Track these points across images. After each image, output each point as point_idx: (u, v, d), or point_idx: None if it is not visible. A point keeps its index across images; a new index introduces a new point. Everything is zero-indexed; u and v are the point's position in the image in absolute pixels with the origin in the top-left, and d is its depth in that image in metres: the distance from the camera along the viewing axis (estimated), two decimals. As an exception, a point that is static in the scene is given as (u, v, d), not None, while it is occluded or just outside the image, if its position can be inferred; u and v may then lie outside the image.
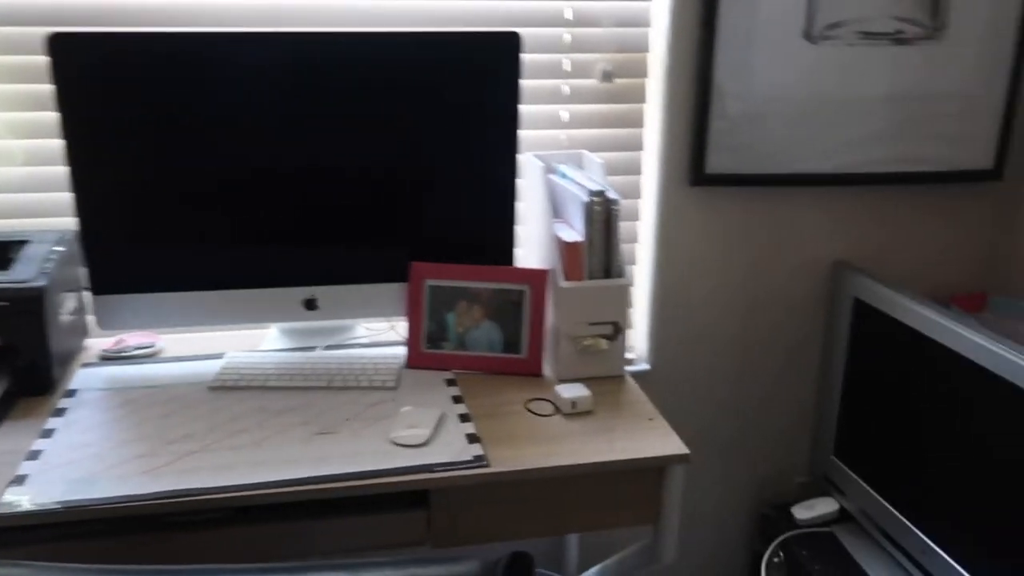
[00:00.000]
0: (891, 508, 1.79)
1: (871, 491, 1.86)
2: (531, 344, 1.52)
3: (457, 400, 1.43)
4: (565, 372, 1.50)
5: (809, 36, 1.75)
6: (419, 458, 1.26)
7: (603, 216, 1.44)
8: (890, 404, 1.80)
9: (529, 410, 1.40)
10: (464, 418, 1.37)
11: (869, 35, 1.77)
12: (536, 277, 1.51)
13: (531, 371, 1.53)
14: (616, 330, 1.49)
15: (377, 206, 1.52)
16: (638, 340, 1.99)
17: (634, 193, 1.87)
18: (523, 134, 1.75)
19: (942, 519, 1.66)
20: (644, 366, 1.97)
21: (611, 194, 1.45)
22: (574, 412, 1.39)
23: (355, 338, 1.67)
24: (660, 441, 1.32)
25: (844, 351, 1.93)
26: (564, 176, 1.57)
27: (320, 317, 1.58)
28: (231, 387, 1.45)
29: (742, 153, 1.79)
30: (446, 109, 1.49)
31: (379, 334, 1.69)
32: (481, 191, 1.53)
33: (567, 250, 1.45)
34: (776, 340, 2.00)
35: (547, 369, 1.54)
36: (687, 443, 2.13)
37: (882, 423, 1.83)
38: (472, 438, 1.31)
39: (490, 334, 1.53)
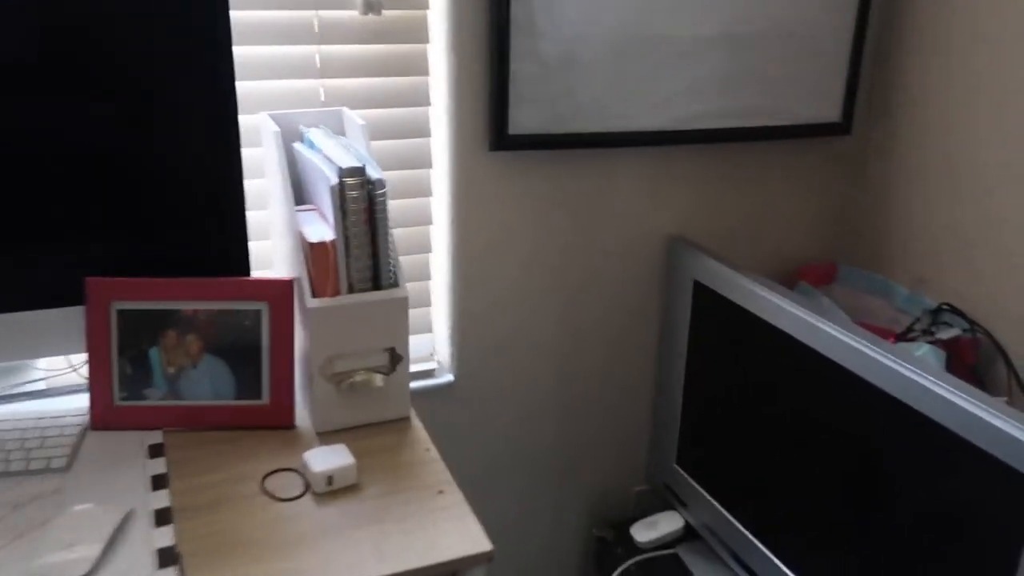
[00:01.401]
0: (737, 523, 1.50)
1: (716, 504, 1.57)
2: (274, 385, 1.08)
3: (159, 483, 0.97)
4: (325, 422, 1.08)
5: (630, -45, 1.37)
6: (76, 602, 0.80)
7: (362, 204, 1.01)
8: (734, 403, 1.50)
9: (266, 491, 0.97)
10: (161, 518, 0.91)
11: (702, -44, 1.43)
12: (275, 290, 1.06)
13: (278, 423, 1.09)
14: (394, 359, 1.08)
15: (39, 198, 1.02)
16: (439, 346, 1.58)
17: (423, 162, 1.45)
18: (259, 87, 1.28)
19: (790, 534, 1.38)
20: (447, 377, 1.57)
21: (373, 171, 1.02)
22: (331, 490, 0.97)
23: (22, 384, 1.17)
24: (454, 530, 0.92)
25: (684, 342, 1.61)
26: (312, 146, 1.12)
27: (-47, 365, 1.07)
28: None
29: (552, 108, 1.40)
30: (126, 56, 1.00)
31: (60, 375, 1.19)
32: (190, 171, 1.06)
33: (312, 253, 1.02)
34: (603, 332, 1.66)
35: (305, 418, 1.11)
36: (504, 462, 1.78)
37: (726, 425, 1.53)
38: (166, 557, 0.86)
39: (214, 374, 1.07)
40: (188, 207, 1.07)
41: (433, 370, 1.58)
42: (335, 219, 1.00)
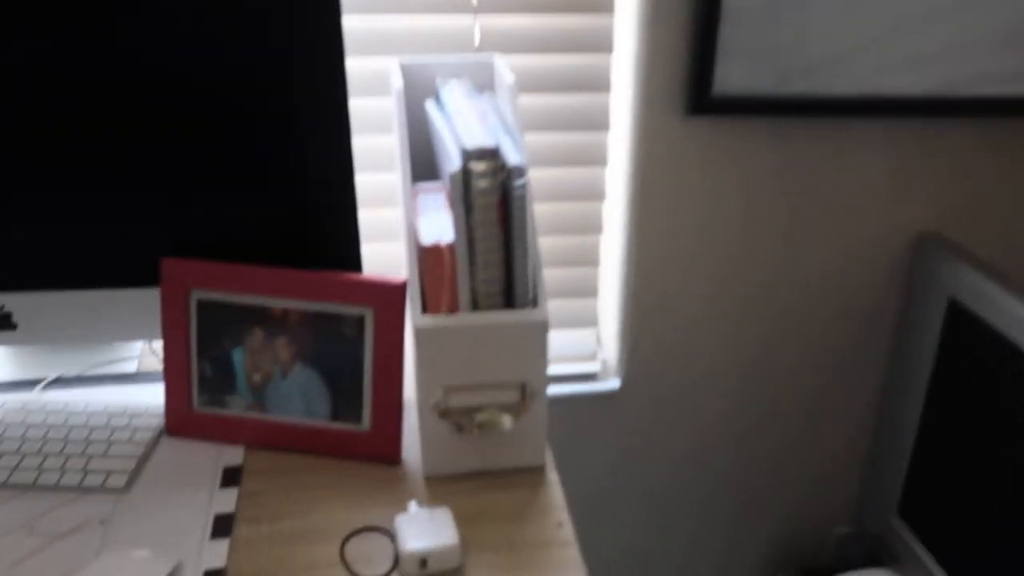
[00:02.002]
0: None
1: (942, 571, 1.22)
2: (378, 409, 0.85)
3: (221, 528, 0.78)
4: (435, 465, 0.84)
5: None
6: None
7: (493, 197, 0.74)
8: (984, 454, 1.13)
9: (345, 561, 0.75)
10: (210, 584, 0.72)
11: None
12: (382, 293, 0.82)
13: (380, 455, 0.87)
14: (527, 395, 0.82)
15: (129, 161, 0.83)
16: (606, 345, 1.31)
17: (599, 122, 1.15)
18: (396, 23, 1.03)
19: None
20: (612, 384, 1.30)
21: (512, 154, 0.74)
22: (425, 574, 0.73)
23: (111, 363, 1.01)
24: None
25: (926, 372, 1.24)
26: (444, 109, 0.86)
27: (21, 340, 0.92)
28: None
29: (774, 61, 1.06)
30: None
31: (149, 357, 1.03)
32: (289, 135, 0.83)
33: (425, 259, 0.76)
34: (816, 348, 1.32)
35: (413, 451, 0.88)
36: (674, 492, 1.41)
37: (970, 479, 1.16)
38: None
39: (307, 388, 0.86)
40: (290, 185, 0.85)
41: (595, 374, 1.31)
42: (456, 215, 0.74)
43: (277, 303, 0.85)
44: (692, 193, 1.18)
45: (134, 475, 0.84)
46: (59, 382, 0.98)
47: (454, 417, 0.82)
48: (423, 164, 0.95)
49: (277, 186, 0.85)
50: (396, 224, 1.17)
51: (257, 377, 0.87)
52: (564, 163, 1.16)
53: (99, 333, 0.92)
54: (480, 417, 0.81)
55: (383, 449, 0.86)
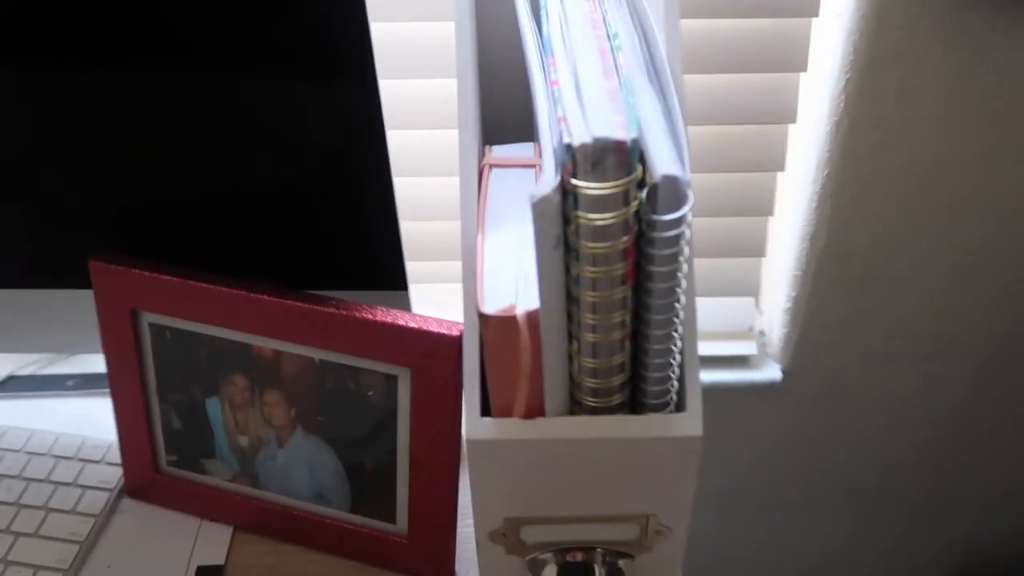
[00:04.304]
0: None
1: None
2: (417, 509, 0.55)
3: None
4: (502, 608, 0.54)
5: None
6: None
7: (619, 240, 0.37)
8: None
9: None
10: None
11: None
12: (428, 347, 0.49)
13: (422, 573, 0.57)
14: (648, 531, 0.49)
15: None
16: (770, 321, 0.95)
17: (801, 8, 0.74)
18: None
19: None
20: (772, 372, 0.95)
21: (664, 160, 0.36)
22: None
23: (81, 353, 0.74)
24: None
25: None
26: (543, 19, 0.48)
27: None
28: None
29: None
30: None
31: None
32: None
33: (491, 331, 0.42)
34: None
35: (469, 562, 0.58)
36: (845, 502, 1.04)
37: None
38: None
39: (315, 464, 0.56)
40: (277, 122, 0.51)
41: (750, 357, 0.95)
42: (545, 263, 0.38)
43: (265, 342, 0.53)
44: (936, 111, 0.76)
45: (79, 556, 0.58)
46: (11, 383, 0.72)
47: (528, 552, 0.50)
48: (503, 108, 0.58)
49: (266, 138, 0.51)
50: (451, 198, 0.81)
51: (244, 441, 0.57)
52: (739, 68, 0.76)
53: (31, 342, 0.64)
54: (571, 559, 0.50)
55: (426, 565, 0.56)
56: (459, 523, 0.57)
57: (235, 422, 0.57)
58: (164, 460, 0.60)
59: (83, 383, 0.71)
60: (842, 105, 0.77)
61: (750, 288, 0.91)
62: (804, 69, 0.77)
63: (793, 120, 0.80)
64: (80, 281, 0.57)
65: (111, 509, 0.61)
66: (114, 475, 0.62)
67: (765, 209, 0.85)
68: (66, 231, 0.56)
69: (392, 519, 0.56)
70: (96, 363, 0.73)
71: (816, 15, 0.74)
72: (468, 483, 0.47)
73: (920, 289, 0.89)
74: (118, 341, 0.56)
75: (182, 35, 0.48)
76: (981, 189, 0.82)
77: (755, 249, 0.88)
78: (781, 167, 0.83)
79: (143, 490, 0.61)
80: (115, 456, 0.63)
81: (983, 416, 1.00)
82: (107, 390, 0.59)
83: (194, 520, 0.61)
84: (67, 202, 0.55)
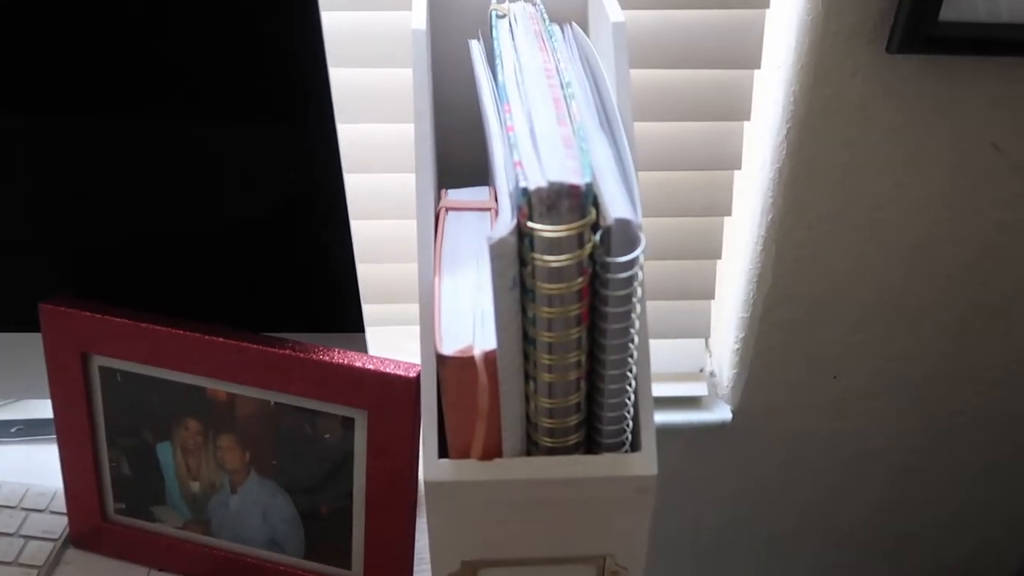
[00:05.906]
0: None
1: None
2: (373, 555, 0.54)
3: None
4: (458, 650, 0.53)
5: None
6: None
7: (573, 282, 0.38)
8: None
9: None
10: None
11: None
12: (383, 390, 0.50)
13: (377, 616, 0.56)
14: (605, 572, 0.49)
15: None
16: (719, 361, 0.97)
17: (745, 56, 0.76)
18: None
19: None
20: (722, 413, 0.96)
21: (617, 203, 0.38)
22: None
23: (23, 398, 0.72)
24: None
25: None
26: (496, 59, 0.49)
27: None
28: None
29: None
30: None
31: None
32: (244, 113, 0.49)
33: (449, 372, 0.42)
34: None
35: (425, 605, 0.58)
36: (806, 544, 1.09)
37: None
38: None
39: (269, 510, 0.56)
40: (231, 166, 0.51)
41: (701, 398, 0.97)
42: (501, 304, 0.39)
43: (219, 385, 0.53)
44: (882, 158, 0.80)
45: (15, 623, 0.56)
46: (-48, 429, 0.70)
47: (489, 597, 0.50)
48: (458, 153, 0.59)
49: (222, 181, 0.51)
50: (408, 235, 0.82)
51: (196, 487, 0.56)
52: (688, 116, 0.79)
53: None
54: (532, 600, 0.50)
55: (383, 610, 0.56)
56: (415, 568, 0.56)
57: (187, 467, 0.56)
58: (112, 508, 0.59)
59: (27, 429, 0.69)
60: (784, 153, 0.80)
61: (700, 330, 0.93)
62: (748, 118, 0.80)
63: (738, 167, 0.82)
64: (27, 324, 0.56)
65: (55, 560, 0.59)
66: (59, 524, 0.61)
67: (713, 252, 0.88)
68: (15, 274, 0.56)
69: (347, 564, 0.56)
70: (41, 408, 0.72)
71: (758, 67, 0.77)
72: (425, 527, 0.47)
73: (865, 330, 0.91)
74: (67, 385, 0.55)
75: (139, 78, 0.48)
76: (919, 234, 0.85)
77: (704, 292, 0.90)
78: (728, 212, 0.85)
79: (89, 539, 0.60)
80: (60, 505, 0.62)
81: (932, 454, 1.02)
82: (53, 436, 0.57)
83: (143, 570, 0.59)
84: (17, 244, 0.54)
